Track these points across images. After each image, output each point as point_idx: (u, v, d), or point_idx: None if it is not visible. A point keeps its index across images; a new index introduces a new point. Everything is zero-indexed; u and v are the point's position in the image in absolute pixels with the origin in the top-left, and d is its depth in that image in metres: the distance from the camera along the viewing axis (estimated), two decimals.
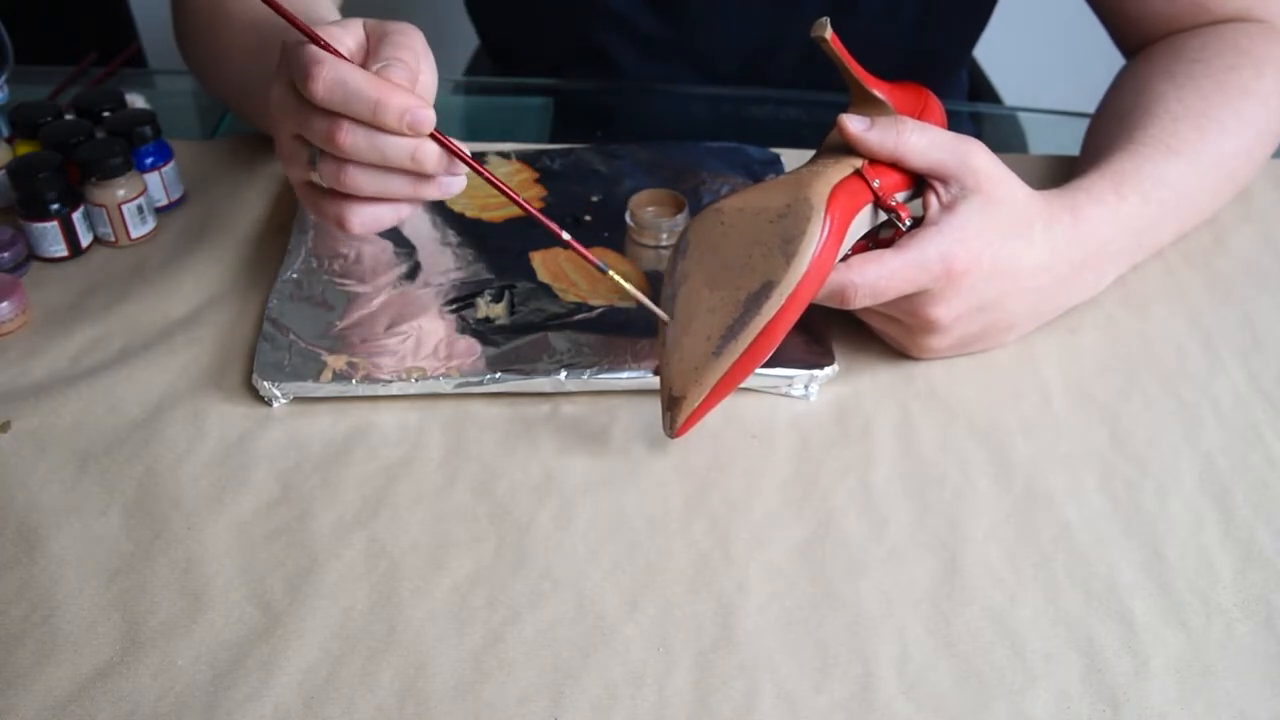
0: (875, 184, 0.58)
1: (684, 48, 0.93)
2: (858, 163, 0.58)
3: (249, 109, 0.76)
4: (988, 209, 0.59)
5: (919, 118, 0.62)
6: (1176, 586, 0.53)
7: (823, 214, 0.54)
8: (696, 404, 0.55)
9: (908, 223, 0.59)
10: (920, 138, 0.59)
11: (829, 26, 0.57)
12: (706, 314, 0.55)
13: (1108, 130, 0.70)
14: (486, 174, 0.56)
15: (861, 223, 0.58)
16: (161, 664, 0.50)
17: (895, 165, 0.59)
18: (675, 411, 0.55)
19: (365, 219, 0.58)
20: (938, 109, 0.65)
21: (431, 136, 0.55)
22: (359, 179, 0.56)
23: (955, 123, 0.67)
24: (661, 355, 0.57)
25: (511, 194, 0.55)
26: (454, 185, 0.58)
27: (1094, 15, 0.81)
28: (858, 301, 0.58)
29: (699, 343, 0.55)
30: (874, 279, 0.57)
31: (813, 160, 0.60)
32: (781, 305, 0.53)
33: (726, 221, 0.57)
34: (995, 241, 0.59)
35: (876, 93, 0.61)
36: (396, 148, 0.54)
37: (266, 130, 0.78)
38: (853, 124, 0.59)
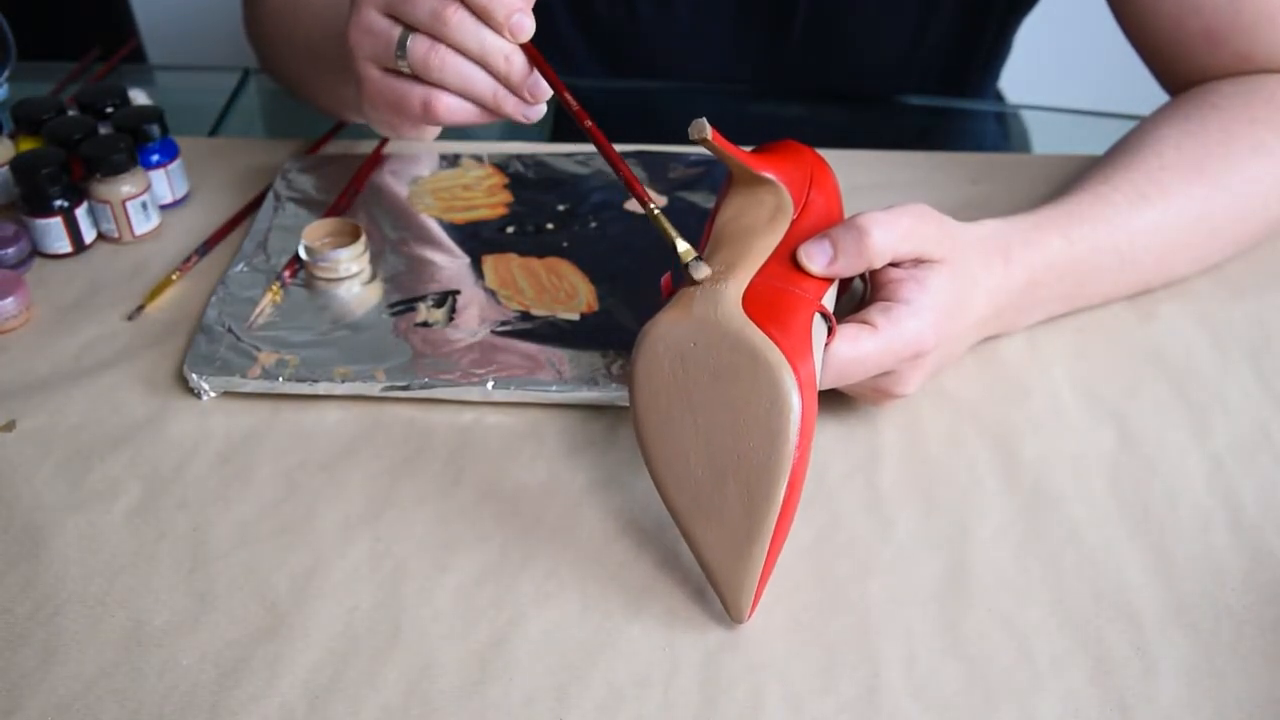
0: (824, 304, 0.53)
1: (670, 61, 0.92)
2: (767, 253, 0.54)
3: (318, 70, 0.75)
4: (956, 279, 0.56)
5: (810, 184, 0.58)
6: (1185, 588, 0.52)
7: (796, 391, 0.49)
8: (756, 585, 0.50)
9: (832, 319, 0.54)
10: (882, 235, 0.54)
11: (708, 127, 0.52)
12: (719, 502, 0.50)
13: (1101, 160, 0.67)
14: (570, 100, 0.55)
15: (816, 336, 0.53)
16: (166, 663, 0.50)
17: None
18: (739, 599, 0.50)
19: (452, 106, 0.58)
20: (823, 165, 0.61)
21: (525, 49, 0.55)
22: (449, 63, 0.56)
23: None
24: (694, 547, 0.51)
25: (597, 135, 0.54)
26: (532, 111, 0.57)
27: (1095, 13, 0.80)
28: (822, 386, 0.53)
29: (726, 539, 0.50)
30: (844, 364, 0.53)
31: (715, 255, 0.54)
32: (789, 477, 0.49)
33: (688, 370, 0.50)
34: (956, 311, 0.56)
35: (767, 175, 0.57)
36: (494, 43, 0.55)
37: (322, 103, 0.77)
38: (817, 263, 0.54)
